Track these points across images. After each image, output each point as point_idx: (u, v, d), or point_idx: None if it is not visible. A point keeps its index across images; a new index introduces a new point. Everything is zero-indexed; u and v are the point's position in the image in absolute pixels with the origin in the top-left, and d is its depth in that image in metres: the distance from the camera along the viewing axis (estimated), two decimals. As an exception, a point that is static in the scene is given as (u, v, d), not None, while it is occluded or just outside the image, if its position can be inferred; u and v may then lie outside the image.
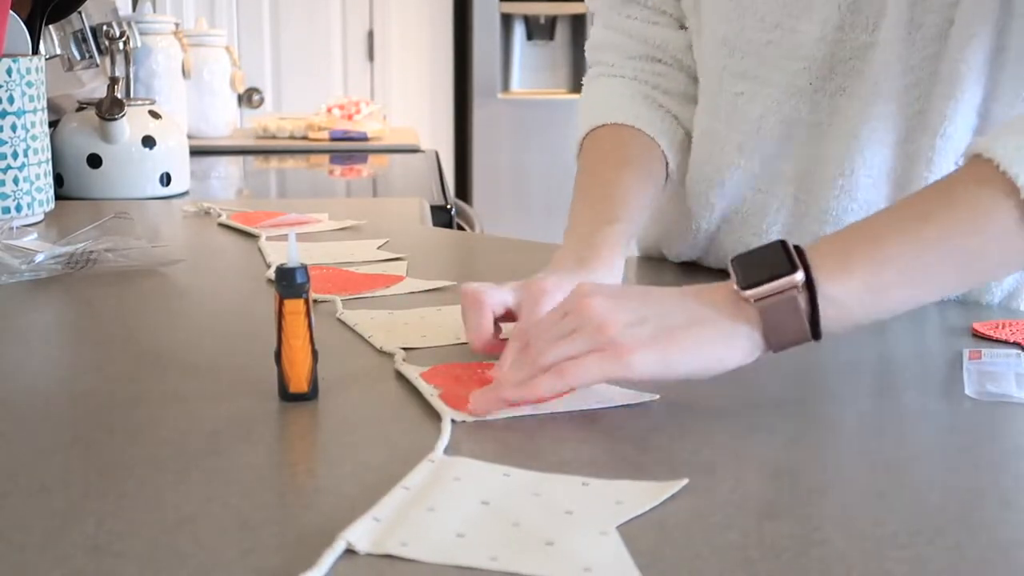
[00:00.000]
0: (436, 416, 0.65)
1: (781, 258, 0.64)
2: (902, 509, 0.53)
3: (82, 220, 1.19)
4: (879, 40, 0.86)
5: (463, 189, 3.84)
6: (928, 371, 0.77)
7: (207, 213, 1.36)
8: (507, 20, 3.80)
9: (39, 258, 1.03)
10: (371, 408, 0.68)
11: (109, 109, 1.55)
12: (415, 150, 2.35)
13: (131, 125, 1.59)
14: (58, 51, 1.61)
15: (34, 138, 1.31)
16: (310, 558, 0.47)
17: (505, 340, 0.73)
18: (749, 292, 0.64)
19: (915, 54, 0.85)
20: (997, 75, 0.83)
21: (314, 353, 0.68)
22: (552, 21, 3.86)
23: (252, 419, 0.66)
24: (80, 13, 1.59)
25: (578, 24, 3.82)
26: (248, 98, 2.92)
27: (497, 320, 0.77)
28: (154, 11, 2.29)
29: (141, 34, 1.95)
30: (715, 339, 0.64)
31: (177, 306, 0.98)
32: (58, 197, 1.42)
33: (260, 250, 1.14)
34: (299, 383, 0.68)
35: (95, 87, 1.84)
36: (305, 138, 2.37)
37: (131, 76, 1.74)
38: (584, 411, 0.66)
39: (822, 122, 0.90)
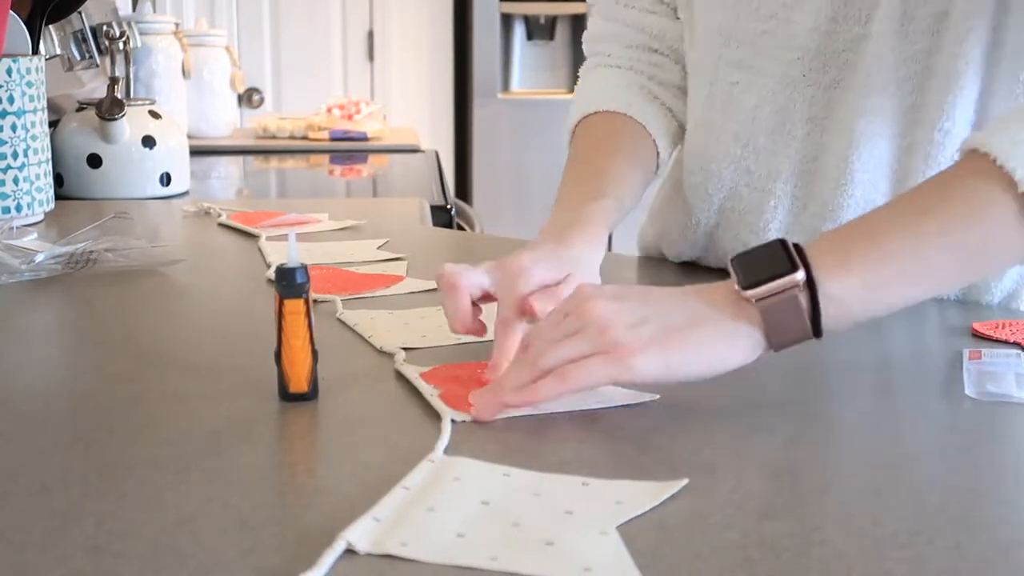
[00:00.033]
0: (436, 416, 0.65)
1: (781, 257, 0.64)
2: (902, 509, 0.53)
3: (82, 220, 1.19)
4: (872, 32, 0.86)
5: (463, 189, 3.84)
6: (928, 371, 0.77)
7: (207, 213, 1.36)
8: (507, 20, 3.80)
9: (39, 258, 1.03)
10: (371, 408, 0.68)
11: (109, 109, 1.55)
12: (415, 150, 2.35)
13: (131, 125, 1.58)
14: (58, 51, 1.61)
15: (34, 138, 1.31)
16: (310, 558, 0.47)
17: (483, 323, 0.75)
18: (750, 292, 0.64)
19: (908, 47, 0.85)
20: (994, 70, 0.83)
21: (314, 353, 0.68)
22: (552, 21, 3.86)
23: (252, 419, 0.66)
24: (80, 13, 1.59)
25: (578, 24, 3.81)
26: (248, 98, 2.92)
27: (475, 302, 0.77)
28: (154, 11, 2.29)
29: (141, 34, 1.95)
30: (716, 339, 0.64)
31: (177, 306, 0.98)
32: (58, 197, 1.42)
33: (260, 250, 1.14)
34: (299, 383, 0.68)
35: (95, 87, 1.84)
36: (305, 138, 2.37)
37: (131, 76, 1.74)
38: (584, 411, 0.66)
39: (818, 116, 0.91)
